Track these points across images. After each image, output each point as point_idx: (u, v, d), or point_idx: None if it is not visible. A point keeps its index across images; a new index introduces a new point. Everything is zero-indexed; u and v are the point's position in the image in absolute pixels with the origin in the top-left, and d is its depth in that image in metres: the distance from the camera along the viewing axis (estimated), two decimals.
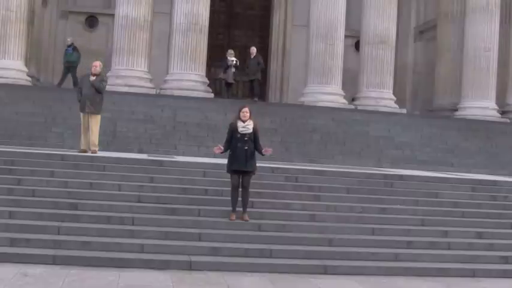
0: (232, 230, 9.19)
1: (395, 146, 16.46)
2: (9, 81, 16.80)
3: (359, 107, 18.86)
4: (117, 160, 11.20)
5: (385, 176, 12.13)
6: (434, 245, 9.50)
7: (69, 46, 19.17)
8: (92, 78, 11.86)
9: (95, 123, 11.91)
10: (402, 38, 24.07)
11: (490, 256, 9.38)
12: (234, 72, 18.15)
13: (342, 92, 18.85)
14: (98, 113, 11.98)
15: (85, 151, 11.75)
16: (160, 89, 17.82)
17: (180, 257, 8.15)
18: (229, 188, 9.54)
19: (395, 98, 19.54)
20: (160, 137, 14.78)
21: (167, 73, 18.40)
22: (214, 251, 8.47)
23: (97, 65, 12.04)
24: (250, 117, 9.50)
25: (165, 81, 18.02)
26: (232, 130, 9.47)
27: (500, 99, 20.66)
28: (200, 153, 13.86)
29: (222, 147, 9.47)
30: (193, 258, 8.12)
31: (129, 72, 17.54)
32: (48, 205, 9.18)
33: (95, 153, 11.67)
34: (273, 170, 11.33)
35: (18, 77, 17.31)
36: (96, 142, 11.88)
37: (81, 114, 12.05)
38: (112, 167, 10.76)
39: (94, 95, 11.84)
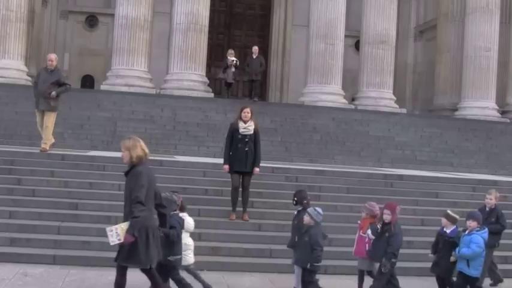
0: (232, 230, 9.20)
1: (395, 146, 16.45)
2: (9, 81, 16.78)
3: (359, 107, 18.85)
4: (117, 160, 11.15)
5: (385, 176, 12.13)
6: None
7: None
8: (51, 85, 10.75)
9: (50, 121, 10.93)
10: (402, 38, 24.10)
11: None
12: (234, 72, 18.12)
13: (342, 92, 18.84)
14: (53, 111, 10.97)
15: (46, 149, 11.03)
16: (161, 88, 17.81)
17: None
18: (229, 188, 9.54)
19: (395, 98, 19.54)
20: (160, 137, 14.76)
21: (167, 73, 18.38)
22: (214, 251, 8.47)
23: (52, 59, 10.90)
24: (251, 118, 9.44)
25: (165, 81, 18.00)
26: (233, 131, 9.43)
27: (500, 99, 20.67)
28: (200, 153, 13.85)
29: (228, 166, 9.38)
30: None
31: (129, 72, 17.52)
32: (48, 205, 9.19)
33: (45, 150, 10.84)
34: (273, 170, 11.33)
35: (18, 76, 17.30)
36: (49, 139, 10.97)
37: (36, 111, 11.07)
38: (112, 167, 10.75)
39: (50, 91, 10.80)
